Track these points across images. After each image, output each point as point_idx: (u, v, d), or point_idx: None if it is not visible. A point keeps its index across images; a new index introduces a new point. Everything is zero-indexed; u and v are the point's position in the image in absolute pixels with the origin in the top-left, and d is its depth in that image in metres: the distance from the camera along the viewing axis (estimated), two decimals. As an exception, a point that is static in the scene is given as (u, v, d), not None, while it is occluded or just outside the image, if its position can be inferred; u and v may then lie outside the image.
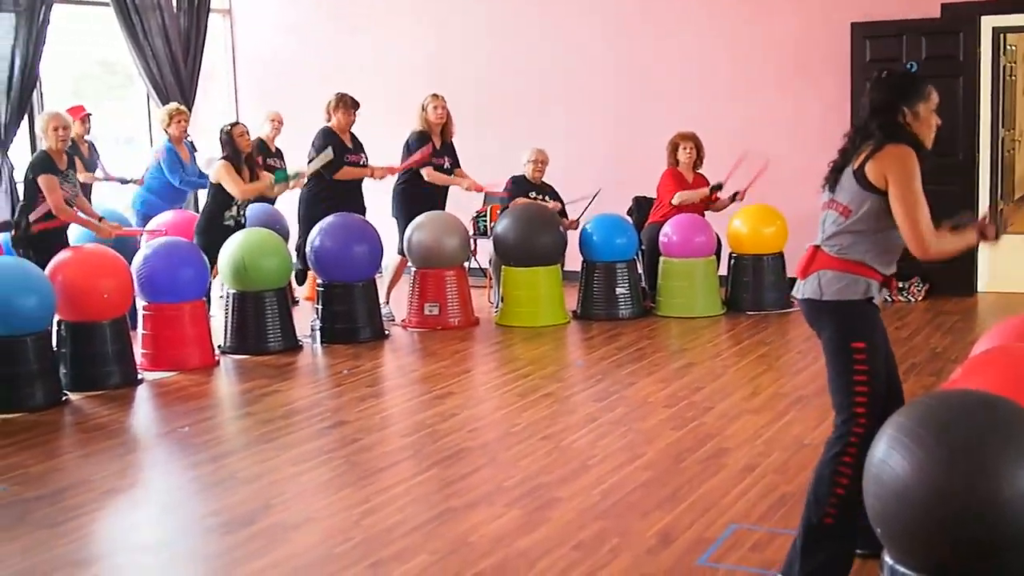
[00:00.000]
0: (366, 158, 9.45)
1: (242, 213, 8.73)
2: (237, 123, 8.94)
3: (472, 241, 9.74)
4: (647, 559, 4.50)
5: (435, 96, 9.52)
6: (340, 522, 5.00)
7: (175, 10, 11.52)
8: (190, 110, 11.42)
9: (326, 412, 6.89)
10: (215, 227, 8.60)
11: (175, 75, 11.44)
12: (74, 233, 8.36)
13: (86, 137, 9.74)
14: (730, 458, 5.72)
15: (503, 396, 7.15)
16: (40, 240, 7.70)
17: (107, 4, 10.93)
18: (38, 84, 10.16)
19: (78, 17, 11.42)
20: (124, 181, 10.01)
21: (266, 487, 5.60)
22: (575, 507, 5.08)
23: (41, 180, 7.66)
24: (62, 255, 7.57)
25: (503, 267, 9.42)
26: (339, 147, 9.21)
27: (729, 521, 4.86)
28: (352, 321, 8.85)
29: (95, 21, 11.60)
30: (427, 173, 9.38)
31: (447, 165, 9.55)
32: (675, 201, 9.54)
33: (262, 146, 9.91)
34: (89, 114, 9.78)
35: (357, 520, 5.01)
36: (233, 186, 8.52)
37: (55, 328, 7.50)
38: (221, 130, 8.76)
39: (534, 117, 11.44)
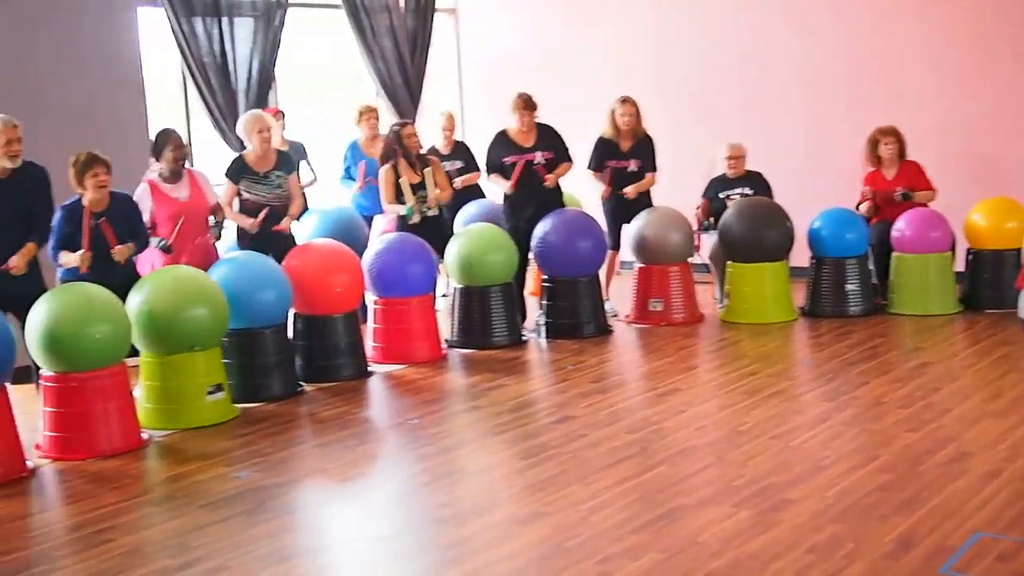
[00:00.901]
0: (541, 156, 9.07)
1: None
2: (407, 123, 8.97)
3: (696, 236, 9.62)
4: (885, 565, 4.34)
5: (624, 102, 9.36)
6: (568, 517, 5.00)
7: (403, 11, 11.76)
8: (416, 109, 11.66)
9: (552, 407, 6.92)
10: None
11: (403, 75, 11.69)
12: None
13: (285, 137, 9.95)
14: (972, 463, 5.47)
15: (729, 394, 7.03)
16: (266, 241, 7.93)
17: (338, 6, 11.24)
18: (273, 86, 10.53)
19: (308, 19, 11.78)
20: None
21: (495, 481, 5.66)
22: (808, 509, 4.95)
23: (226, 182, 7.95)
24: (297, 250, 7.82)
25: (729, 263, 9.27)
26: (505, 148, 9.05)
27: (973, 529, 4.64)
28: (576, 316, 8.86)
29: (325, 23, 11.95)
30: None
31: (635, 168, 9.39)
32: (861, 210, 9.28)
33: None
34: (282, 112, 9.99)
35: (585, 516, 5.00)
36: (382, 191, 8.67)
37: (291, 321, 7.76)
38: (391, 129, 8.84)
39: (744, 111, 11.21)
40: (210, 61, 9.85)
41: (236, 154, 8.30)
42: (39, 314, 6.21)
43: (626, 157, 9.37)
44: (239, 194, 7.95)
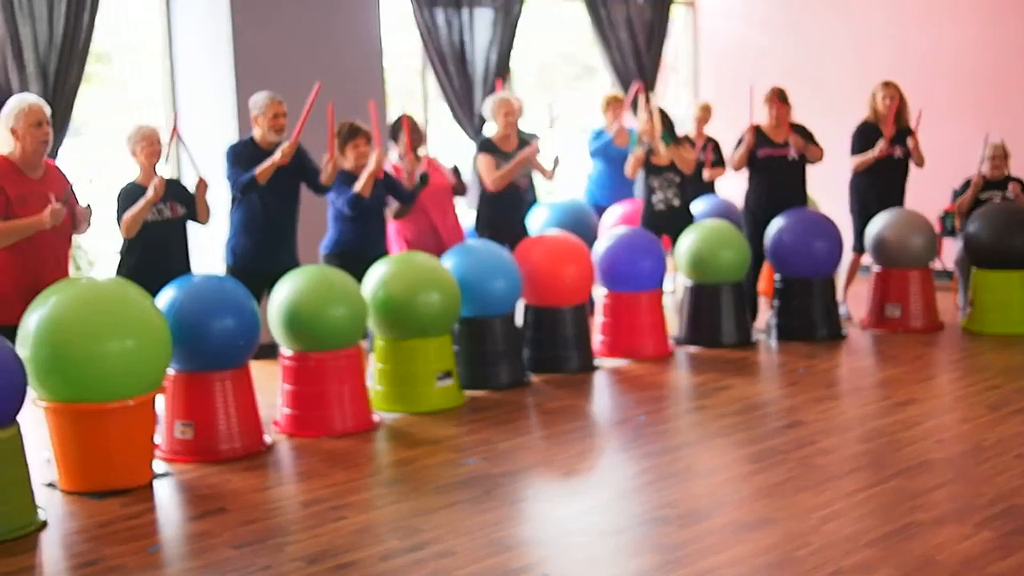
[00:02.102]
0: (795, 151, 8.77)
1: None
2: (662, 111, 8.80)
3: (938, 240, 9.23)
4: None
5: (886, 85, 9.03)
6: (798, 526, 4.86)
7: (641, 2, 11.69)
8: (649, 99, 11.57)
9: (781, 411, 6.76)
10: None
11: (637, 65, 11.62)
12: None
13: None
14: None
15: (971, 407, 6.71)
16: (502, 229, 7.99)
17: (576, -2, 11.27)
18: (509, 76, 10.62)
19: (545, 10, 11.83)
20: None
21: (721, 483, 5.56)
22: (1057, 535, 4.68)
23: (480, 159, 7.99)
24: (529, 242, 7.86)
25: (973, 269, 8.87)
26: (759, 142, 8.80)
27: None
28: (809, 318, 8.63)
29: (561, 14, 11.98)
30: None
31: (899, 154, 9.02)
32: None
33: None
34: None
35: (816, 526, 4.86)
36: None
37: (521, 311, 7.81)
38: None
39: (998, 110, 10.67)
40: (449, 50, 10.01)
41: (483, 136, 8.39)
42: (281, 293, 6.42)
43: (891, 143, 9.01)
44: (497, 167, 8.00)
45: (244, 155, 6.77)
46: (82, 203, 6.02)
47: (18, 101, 5.82)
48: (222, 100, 8.29)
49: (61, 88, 7.57)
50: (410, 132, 7.47)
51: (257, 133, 6.83)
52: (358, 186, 6.93)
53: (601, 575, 4.51)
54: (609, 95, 10.37)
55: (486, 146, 7.99)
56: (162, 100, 8.69)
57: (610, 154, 9.95)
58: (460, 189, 7.86)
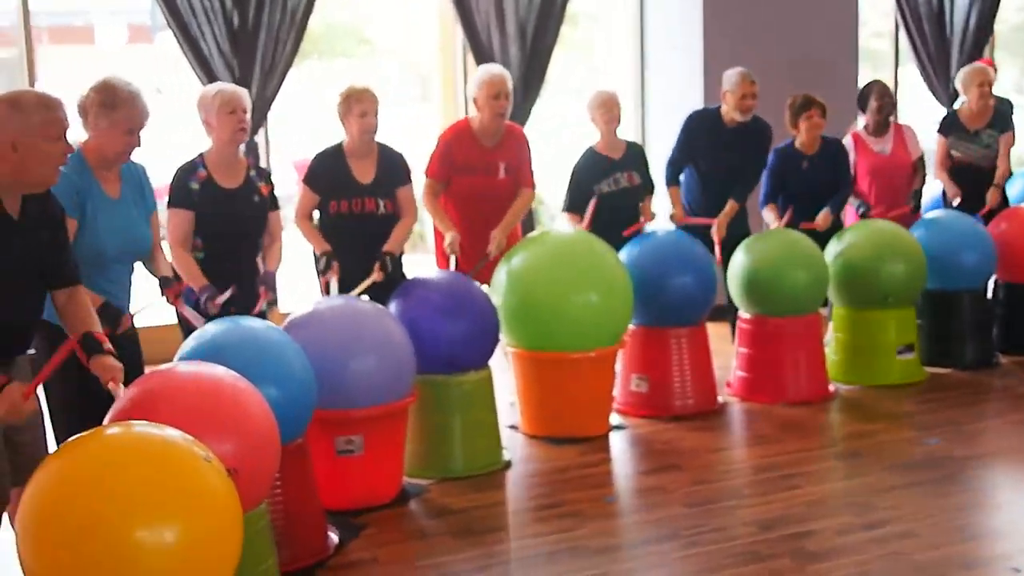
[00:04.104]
0: None
1: None
2: None
3: None
4: None
5: None
6: None
7: None
8: None
9: None
10: None
11: None
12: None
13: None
14: None
15: None
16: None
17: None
18: (991, 39, 9.97)
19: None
20: None
21: None
22: None
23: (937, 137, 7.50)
24: (1007, 214, 7.35)
25: None
26: None
27: None
28: None
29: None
30: None
31: None
32: None
33: None
34: (995, 66, 9.17)
35: None
36: None
37: (992, 287, 7.35)
38: None
39: None
40: (926, 11, 9.51)
41: (950, 109, 7.90)
42: (741, 256, 6.37)
43: None
44: (949, 154, 7.55)
45: (698, 129, 6.62)
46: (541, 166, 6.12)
47: (482, 72, 6.06)
48: (689, 67, 8.32)
49: (536, 50, 7.88)
50: (880, 100, 7.14)
51: (723, 108, 6.64)
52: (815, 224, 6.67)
53: (1079, 576, 4.18)
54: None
55: (947, 123, 7.52)
56: (630, 65, 8.84)
57: None
58: (918, 179, 7.37)
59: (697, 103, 7.85)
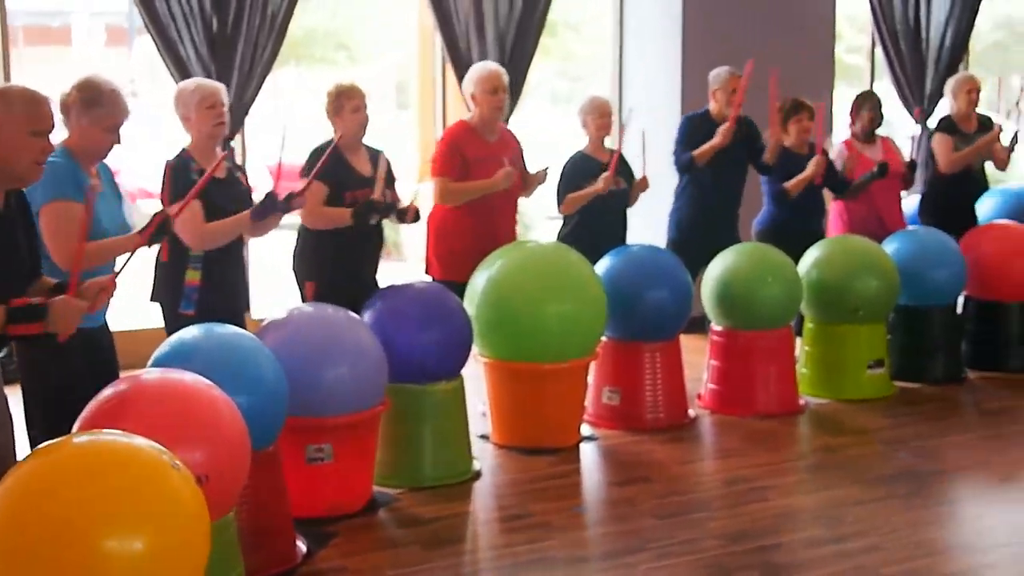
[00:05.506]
0: None
1: None
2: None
3: None
4: None
5: None
6: None
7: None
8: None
9: None
10: None
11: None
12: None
13: None
14: None
15: None
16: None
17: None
18: (965, 57, 10.04)
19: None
20: None
21: None
22: None
23: (937, 139, 7.58)
24: (978, 231, 7.44)
25: None
26: None
27: None
28: None
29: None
30: None
31: None
32: None
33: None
34: None
35: None
36: None
37: (962, 303, 7.40)
38: None
39: None
40: (903, 28, 9.57)
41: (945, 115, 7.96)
42: (717, 269, 6.41)
43: None
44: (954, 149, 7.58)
45: (696, 129, 6.79)
46: (531, 169, 6.26)
47: (478, 69, 6.14)
48: (669, 74, 8.36)
49: (516, 58, 7.90)
50: (873, 110, 7.25)
51: (713, 107, 6.83)
52: (789, 184, 6.83)
53: (1042, 593, 4.23)
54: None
55: (945, 125, 7.61)
56: (610, 73, 8.87)
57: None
58: (909, 181, 7.47)
59: (675, 114, 7.92)
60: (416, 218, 5.56)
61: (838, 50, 9.38)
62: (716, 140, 6.62)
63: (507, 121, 7.66)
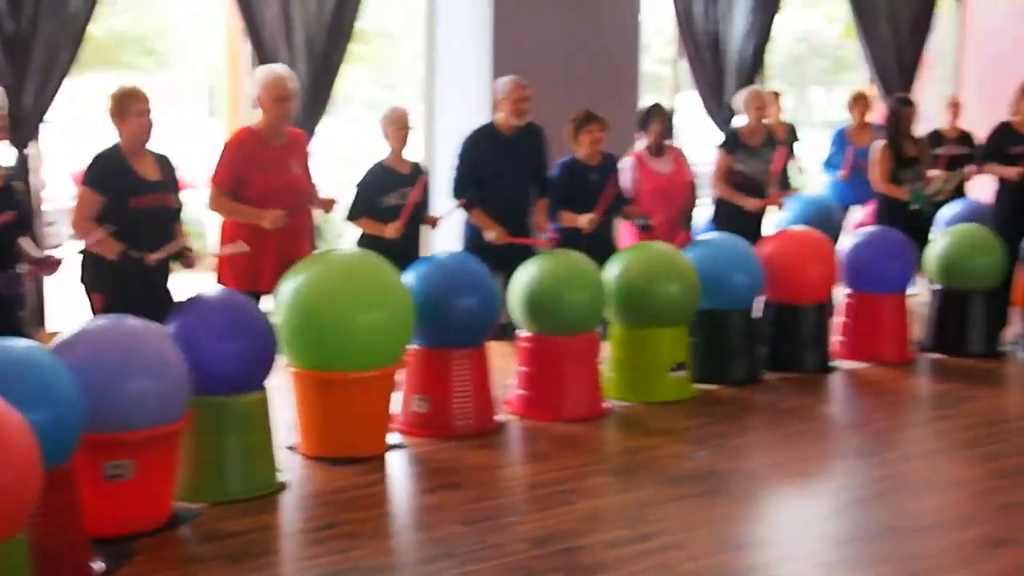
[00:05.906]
0: None
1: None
2: (910, 101, 8.50)
3: None
4: None
5: None
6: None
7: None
8: (909, 96, 11.15)
9: (1031, 427, 6.44)
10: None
11: (897, 60, 11.20)
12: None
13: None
14: None
15: None
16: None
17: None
18: (761, 70, 10.40)
19: (801, 2, 11.54)
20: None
21: (964, 497, 5.35)
22: None
23: (716, 155, 7.85)
24: (773, 237, 7.73)
25: None
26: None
27: None
28: (1067, 331, 8.18)
29: (818, 6, 11.67)
30: None
31: None
32: None
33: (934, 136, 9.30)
34: (777, 94, 9.85)
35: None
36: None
37: (760, 307, 7.66)
38: (897, 99, 8.48)
39: None
40: (706, 41, 9.86)
41: (730, 128, 8.25)
42: (524, 275, 6.48)
43: None
44: (730, 168, 7.83)
45: (479, 144, 6.83)
46: (323, 190, 6.20)
47: (264, 72, 6.03)
48: (479, 85, 8.41)
49: (325, 66, 7.85)
50: (662, 122, 7.43)
51: (499, 117, 6.88)
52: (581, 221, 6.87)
53: (831, 583, 4.42)
54: (855, 92, 10.04)
55: (727, 141, 7.88)
56: (421, 82, 8.89)
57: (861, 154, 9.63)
58: (692, 197, 7.73)
59: (485, 121, 7.99)
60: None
61: (647, 61, 9.61)
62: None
63: (313, 131, 7.62)
